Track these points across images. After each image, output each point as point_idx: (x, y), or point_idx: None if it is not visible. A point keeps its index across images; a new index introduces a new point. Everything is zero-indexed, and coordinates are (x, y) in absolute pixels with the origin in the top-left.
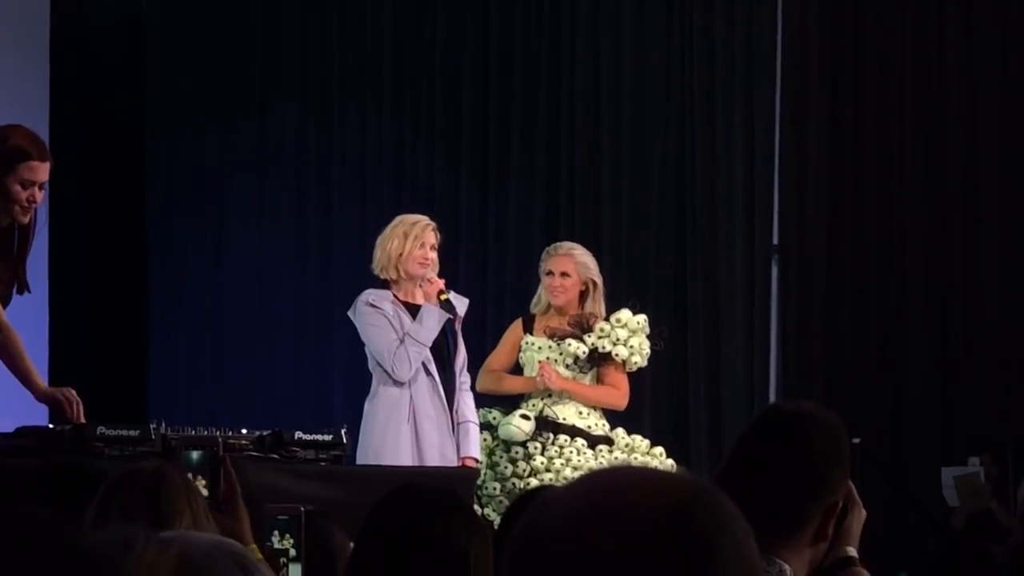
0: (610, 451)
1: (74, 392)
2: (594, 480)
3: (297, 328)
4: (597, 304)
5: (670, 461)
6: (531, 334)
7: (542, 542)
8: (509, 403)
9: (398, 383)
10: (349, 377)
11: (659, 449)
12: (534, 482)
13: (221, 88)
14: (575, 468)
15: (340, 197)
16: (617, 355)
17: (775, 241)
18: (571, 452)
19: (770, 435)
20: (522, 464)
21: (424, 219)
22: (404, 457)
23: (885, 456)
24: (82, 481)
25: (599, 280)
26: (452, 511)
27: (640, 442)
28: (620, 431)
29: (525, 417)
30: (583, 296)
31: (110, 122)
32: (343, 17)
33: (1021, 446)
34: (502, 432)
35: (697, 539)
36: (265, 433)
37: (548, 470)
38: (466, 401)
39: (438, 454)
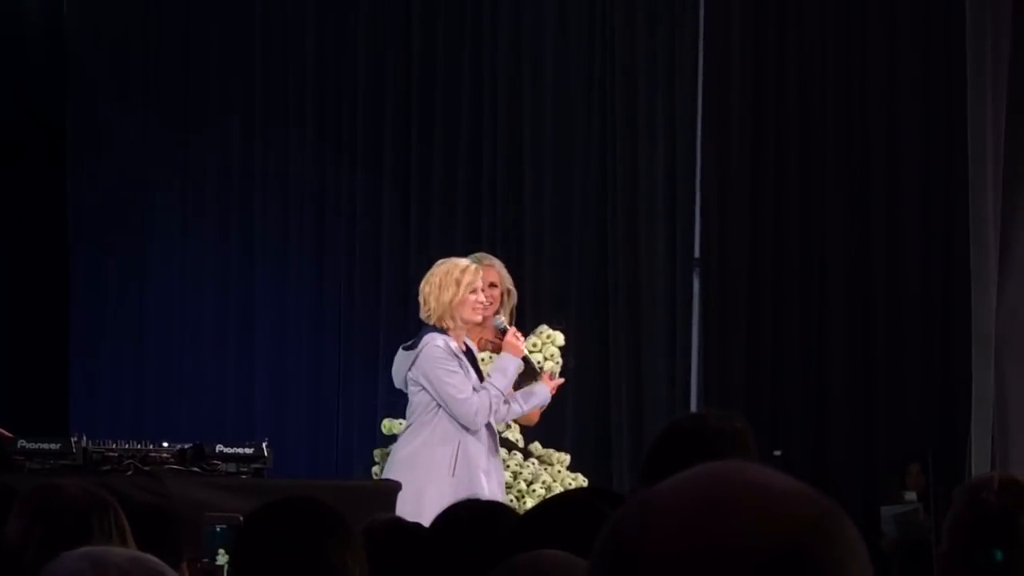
0: (539, 463)
1: None
2: (705, 487)
3: (219, 342)
4: (510, 313)
5: (578, 474)
6: None
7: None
8: None
9: (463, 430)
10: (270, 391)
11: (565, 456)
12: None
13: (143, 107)
14: (526, 481)
15: (263, 211)
16: (549, 370)
17: (696, 254)
18: (516, 465)
19: (676, 448)
20: None
21: (471, 264)
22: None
23: (807, 468)
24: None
25: (513, 289)
26: (326, 525)
27: (554, 454)
28: (537, 445)
29: None
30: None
31: (32, 139)
32: (265, 24)
33: (943, 457)
34: None
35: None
36: (186, 446)
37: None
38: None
39: None
